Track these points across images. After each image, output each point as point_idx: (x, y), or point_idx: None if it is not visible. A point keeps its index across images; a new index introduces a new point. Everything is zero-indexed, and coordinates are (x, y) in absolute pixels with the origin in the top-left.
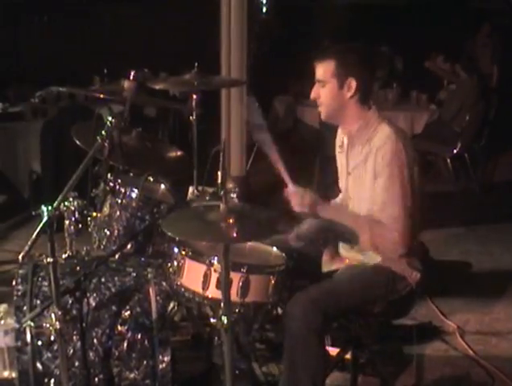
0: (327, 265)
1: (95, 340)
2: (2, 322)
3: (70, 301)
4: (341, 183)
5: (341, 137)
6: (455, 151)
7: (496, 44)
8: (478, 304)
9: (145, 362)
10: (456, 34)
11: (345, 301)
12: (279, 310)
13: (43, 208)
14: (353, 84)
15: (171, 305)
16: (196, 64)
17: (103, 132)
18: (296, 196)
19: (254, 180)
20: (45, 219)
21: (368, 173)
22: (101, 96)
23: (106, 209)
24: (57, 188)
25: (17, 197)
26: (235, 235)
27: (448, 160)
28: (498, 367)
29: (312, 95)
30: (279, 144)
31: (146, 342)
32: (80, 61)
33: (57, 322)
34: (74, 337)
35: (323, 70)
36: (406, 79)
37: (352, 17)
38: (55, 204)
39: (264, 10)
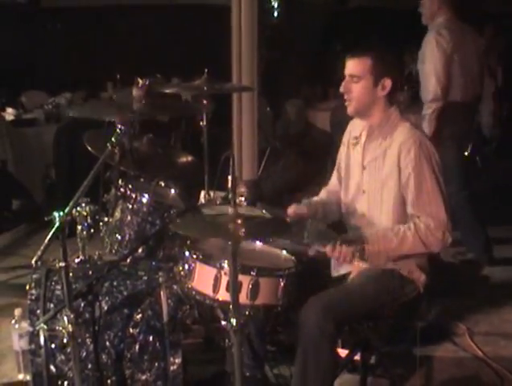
0: (336, 270)
1: (107, 343)
2: (17, 325)
3: (83, 305)
4: (347, 178)
5: (359, 129)
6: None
7: (501, 46)
8: (487, 305)
9: (156, 364)
10: None
11: (356, 307)
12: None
13: (55, 214)
14: (388, 83)
15: (182, 308)
16: (207, 70)
17: (113, 139)
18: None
19: (266, 184)
20: (57, 224)
21: (387, 167)
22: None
23: (118, 214)
24: (71, 193)
25: (31, 202)
26: (242, 234)
27: None
28: (507, 368)
29: (343, 88)
30: (291, 147)
31: (157, 344)
32: (92, 67)
33: (70, 325)
34: (87, 340)
35: (360, 66)
36: (417, 81)
37: (361, 21)
38: (66, 210)
39: (275, 14)
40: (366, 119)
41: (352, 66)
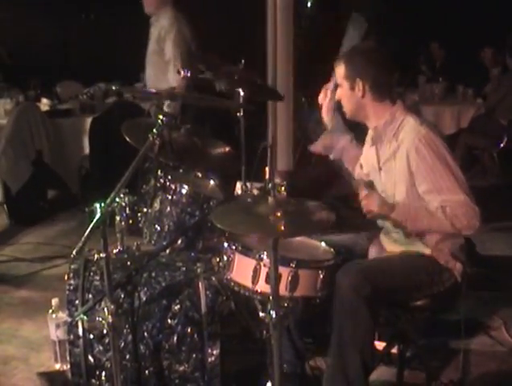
0: (372, 257)
1: (145, 333)
2: (54, 315)
3: (122, 296)
4: (370, 177)
5: (370, 132)
6: (501, 145)
7: None
8: None
9: (194, 355)
10: (499, 25)
11: (393, 277)
12: None
13: (97, 205)
14: (360, 84)
15: (220, 299)
16: (243, 61)
17: (154, 130)
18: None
19: (301, 175)
20: (98, 215)
21: (397, 169)
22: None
23: (157, 205)
24: (106, 184)
25: (66, 192)
26: (283, 229)
27: (495, 154)
28: None
29: (336, 97)
30: None
31: (195, 335)
32: (127, 58)
33: (110, 316)
34: (125, 330)
35: (338, 73)
36: (453, 73)
37: (399, 11)
38: (108, 201)
39: (309, 5)
40: (369, 122)
41: (336, 74)
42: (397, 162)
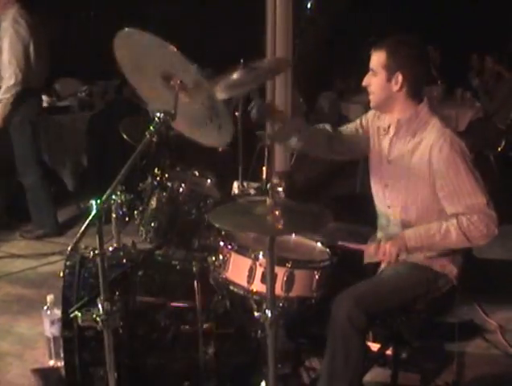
0: (369, 257)
1: (140, 331)
2: (49, 312)
3: (117, 293)
4: (373, 164)
5: (388, 121)
6: (499, 149)
7: None
8: None
9: (189, 354)
10: (500, 30)
11: (388, 300)
12: None
13: (92, 202)
14: (400, 78)
15: (216, 298)
16: (242, 61)
17: (151, 127)
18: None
19: (298, 176)
20: (94, 212)
21: (414, 165)
22: None
23: (153, 203)
24: (103, 181)
25: (63, 189)
26: (281, 227)
27: (492, 158)
28: None
29: (364, 82)
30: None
31: (190, 334)
32: None
33: (104, 313)
34: (120, 328)
35: (375, 60)
36: (452, 76)
37: (397, 12)
38: (103, 198)
39: (309, 6)
40: (389, 114)
41: (372, 59)
42: (415, 160)
